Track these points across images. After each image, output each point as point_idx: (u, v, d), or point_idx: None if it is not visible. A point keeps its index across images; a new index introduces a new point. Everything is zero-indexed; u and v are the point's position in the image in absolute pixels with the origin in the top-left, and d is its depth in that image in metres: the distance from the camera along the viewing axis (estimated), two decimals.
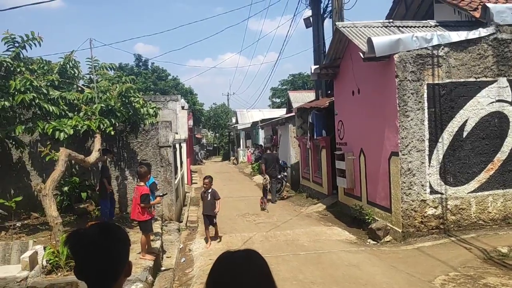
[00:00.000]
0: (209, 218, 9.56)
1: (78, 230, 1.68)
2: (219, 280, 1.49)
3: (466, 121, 8.84)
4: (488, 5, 9.01)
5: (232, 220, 12.28)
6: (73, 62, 9.51)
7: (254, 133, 36.49)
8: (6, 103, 7.98)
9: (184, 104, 21.10)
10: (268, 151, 17.60)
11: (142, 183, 7.75)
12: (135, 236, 8.92)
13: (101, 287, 1.62)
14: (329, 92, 16.17)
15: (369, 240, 9.24)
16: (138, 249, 7.67)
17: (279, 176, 16.00)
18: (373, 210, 10.04)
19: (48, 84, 8.81)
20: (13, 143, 9.45)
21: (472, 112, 8.86)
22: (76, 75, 9.72)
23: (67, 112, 8.86)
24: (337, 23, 11.67)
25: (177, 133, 13.99)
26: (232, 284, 1.45)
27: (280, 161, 18.03)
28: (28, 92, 8.04)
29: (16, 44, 8.52)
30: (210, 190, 9.56)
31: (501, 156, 8.94)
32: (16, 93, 8.00)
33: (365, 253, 8.24)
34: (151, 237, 7.99)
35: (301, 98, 29.10)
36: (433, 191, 8.74)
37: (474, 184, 8.87)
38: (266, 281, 1.51)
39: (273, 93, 61.91)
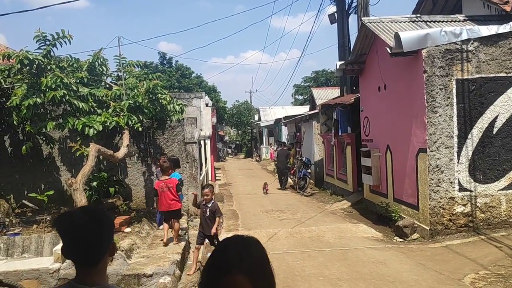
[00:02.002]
0: (208, 238, 7.53)
1: (65, 212, 1.85)
2: (212, 262, 1.48)
3: (496, 117, 8.65)
4: None
5: (257, 216, 12.32)
6: (101, 60, 9.69)
7: (277, 130, 36.47)
8: (38, 99, 8.19)
9: (208, 102, 21.25)
10: (280, 148, 21.49)
11: (166, 176, 8.06)
12: (162, 231, 9.09)
13: (88, 265, 1.76)
14: (354, 88, 16.03)
15: (395, 238, 9.14)
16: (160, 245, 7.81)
17: (285, 169, 18.71)
18: (400, 207, 9.93)
19: (78, 81, 9.00)
20: (44, 139, 9.69)
21: (502, 108, 8.66)
22: (104, 72, 9.91)
23: (96, 108, 9.03)
24: (363, 18, 11.56)
25: (201, 130, 14.11)
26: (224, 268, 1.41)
27: (304, 158, 18.04)
28: (59, 89, 8.22)
29: (47, 42, 8.71)
30: (210, 204, 7.46)
31: None
32: (47, 90, 8.19)
33: (391, 250, 8.16)
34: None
35: (325, 95, 28.92)
36: (462, 189, 8.59)
37: (504, 181, 8.68)
38: (262, 268, 1.46)
39: (296, 90, 61.67)
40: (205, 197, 7.51)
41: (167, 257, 7.13)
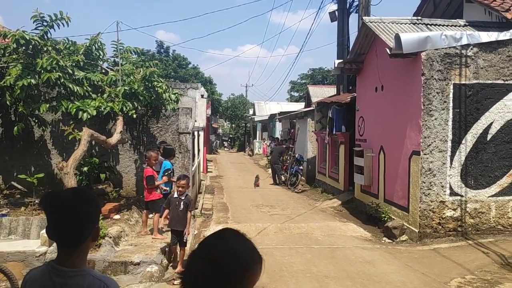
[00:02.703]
0: (178, 235, 6.82)
1: (52, 191, 1.81)
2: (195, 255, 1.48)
3: (491, 123, 8.68)
4: None
5: (247, 210, 12.31)
6: (98, 44, 9.55)
7: (271, 125, 36.44)
8: (32, 81, 8.06)
9: (204, 93, 21.10)
10: (274, 144, 22.96)
11: (147, 166, 8.09)
12: (151, 219, 9.03)
13: (70, 246, 1.76)
14: (350, 87, 16.03)
15: (384, 238, 9.17)
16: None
17: (279, 165, 18.69)
18: (390, 208, 9.96)
19: (74, 64, 8.87)
20: (36, 121, 9.57)
21: (498, 115, 8.69)
22: (101, 57, 9.78)
23: (90, 93, 8.92)
24: (364, 17, 11.53)
25: (196, 121, 14.03)
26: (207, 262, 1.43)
27: (297, 155, 18.03)
28: (54, 71, 8.10)
29: (45, 23, 8.58)
30: (184, 196, 6.85)
31: None
32: (42, 71, 8.07)
33: (380, 250, 8.19)
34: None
35: (321, 92, 28.91)
36: (452, 193, 8.63)
37: (495, 188, 8.73)
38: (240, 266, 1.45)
39: (292, 87, 61.59)
40: (180, 189, 6.84)
41: (155, 246, 7.11)
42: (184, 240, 6.81)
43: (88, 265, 6.40)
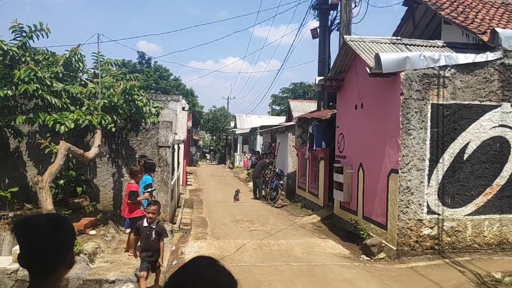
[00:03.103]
0: (151, 263, 6.15)
1: (26, 217, 1.76)
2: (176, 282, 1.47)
3: (467, 143, 8.84)
4: (497, 29, 9.05)
5: (226, 226, 12.21)
6: (78, 56, 9.47)
7: (252, 138, 36.47)
8: (9, 92, 7.93)
9: (185, 105, 21.05)
10: (255, 157, 23.78)
11: (133, 181, 7.83)
12: (125, 235, 8.88)
13: (43, 275, 1.68)
14: (331, 104, 16.17)
15: (362, 256, 9.19)
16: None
17: (261, 180, 18.50)
18: (369, 225, 10.01)
19: (52, 76, 8.76)
20: (12, 132, 9.38)
21: (474, 135, 8.86)
22: (80, 68, 9.69)
23: (69, 105, 8.81)
24: (345, 36, 11.69)
25: (176, 134, 13.94)
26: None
27: (277, 170, 18.04)
28: (32, 82, 7.99)
29: (24, 34, 8.47)
30: (155, 224, 6.17)
31: (500, 181, 8.94)
32: (20, 82, 7.94)
33: (358, 268, 8.19)
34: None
35: (302, 107, 29.13)
36: (430, 211, 8.72)
37: (471, 207, 8.86)
38: None
39: (274, 100, 61.94)
40: (150, 215, 6.14)
41: (132, 264, 6.96)
42: (157, 266, 6.25)
43: (62, 283, 6.25)
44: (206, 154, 56.51)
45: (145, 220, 6.25)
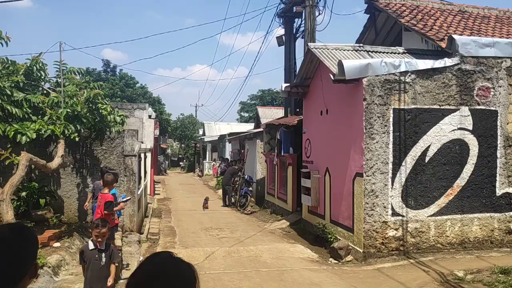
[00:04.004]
0: None
1: None
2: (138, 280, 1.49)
3: (429, 146, 9.12)
4: (454, 36, 9.40)
5: (195, 234, 12.13)
6: (40, 64, 9.27)
7: (221, 146, 36.37)
8: None
9: (151, 113, 20.84)
10: (224, 164, 23.66)
11: (106, 191, 7.62)
12: None
13: (5, 286, 1.64)
14: (297, 110, 16.36)
15: (330, 259, 9.31)
16: None
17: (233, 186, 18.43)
18: (336, 229, 10.16)
19: (13, 85, 8.54)
20: None
21: (435, 138, 9.15)
22: (42, 77, 9.48)
23: (30, 115, 8.60)
24: (309, 43, 11.89)
25: (142, 142, 13.79)
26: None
27: (246, 176, 18.08)
28: None
29: None
30: (104, 246, 5.27)
31: (461, 182, 9.26)
32: None
33: (326, 272, 8.30)
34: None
35: (270, 114, 29.31)
36: (394, 213, 8.94)
37: (434, 208, 9.13)
38: None
39: (242, 107, 62.12)
40: (100, 239, 5.20)
41: None
42: None
43: None
44: (180, 163, 55.52)
45: (90, 242, 5.31)
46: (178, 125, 57.92)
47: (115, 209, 7.65)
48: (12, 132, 7.99)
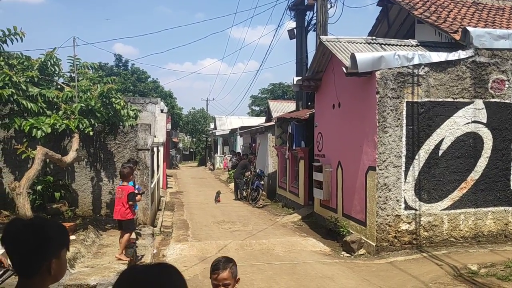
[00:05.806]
0: None
1: (10, 221, 1.87)
2: None
3: (442, 139, 9.06)
4: (468, 28, 9.29)
5: (208, 227, 12.22)
6: (54, 60, 9.35)
7: (232, 140, 36.47)
8: None
9: (163, 108, 20.95)
10: (235, 158, 24.05)
11: (125, 183, 7.73)
12: (108, 239, 8.82)
13: (24, 277, 1.79)
14: (309, 103, 16.32)
15: (343, 253, 9.33)
16: (112, 253, 7.59)
17: (245, 180, 18.33)
18: (348, 223, 10.15)
19: (28, 80, 8.63)
20: None
21: (448, 132, 9.08)
22: (56, 72, 9.57)
23: (45, 110, 8.68)
24: (321, 36, 11.83)
25: (155, 136, 13.88)
26: None
27: (258, 170, 18.12)
28: (7, 87, 7.85)
29: None
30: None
31: (474, 175, 9.18)
32: None
33: (339, 265, 8.31)
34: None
35: (281, 107, 29.25)
36: (407, 207, 8.90)
37: (447, 201, 9.08)
38: None
39: (253, 101, 62.05)
40: None
41: (113, 268, 6.92)
42: None
43: None
44: (176, 156, 55.17)
45: None
46: (189, 119, 58.04)
47: (136, 199, 7.83)
48: (28, 127, 8.09)
